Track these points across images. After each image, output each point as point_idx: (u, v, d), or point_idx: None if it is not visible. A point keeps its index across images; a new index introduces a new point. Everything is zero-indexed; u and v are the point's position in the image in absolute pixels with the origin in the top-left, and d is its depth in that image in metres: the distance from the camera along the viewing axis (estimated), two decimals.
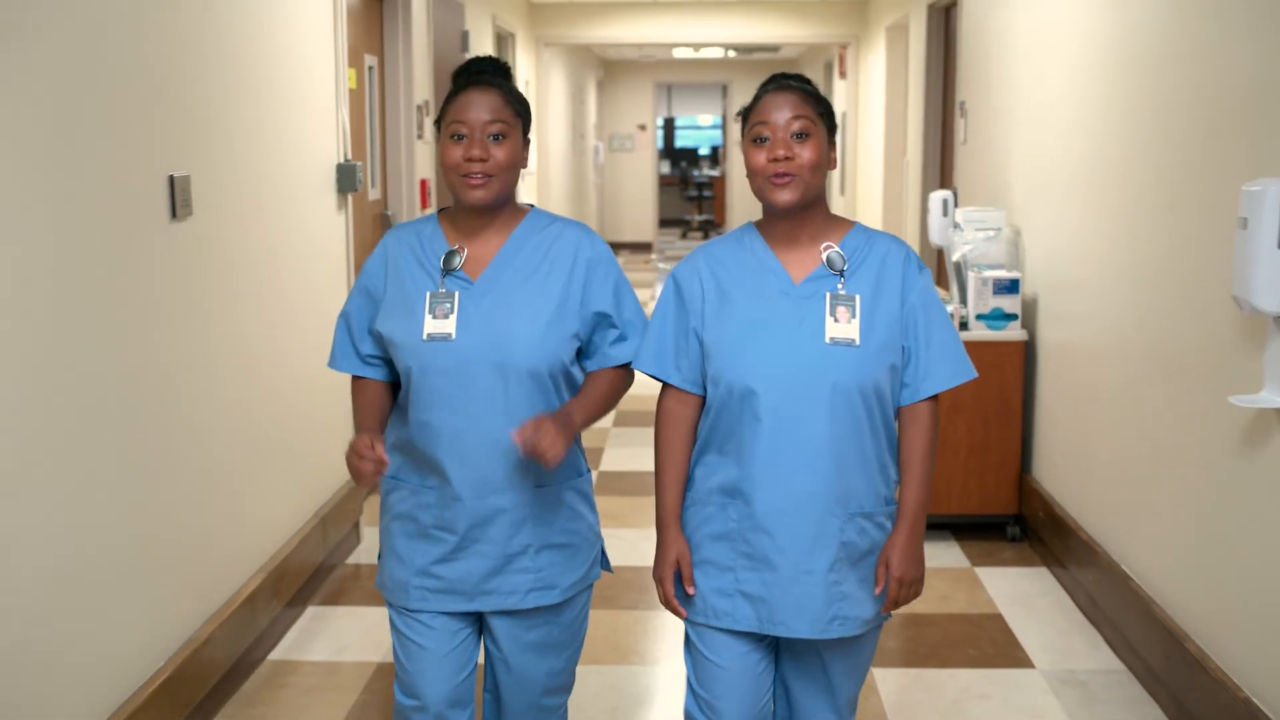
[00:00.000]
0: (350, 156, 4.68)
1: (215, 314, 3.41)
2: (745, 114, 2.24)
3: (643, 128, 18.01)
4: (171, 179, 3.12)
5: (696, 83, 19.23)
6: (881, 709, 3.37)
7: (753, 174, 2.20)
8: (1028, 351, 4.70)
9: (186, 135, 3.24)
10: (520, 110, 2.30)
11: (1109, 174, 3.90)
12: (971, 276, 4.71)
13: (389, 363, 2.38)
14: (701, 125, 22.08)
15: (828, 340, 2.15)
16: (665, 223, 19.53)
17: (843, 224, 2.26)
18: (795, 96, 2.17)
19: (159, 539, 3.09)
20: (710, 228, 19.41)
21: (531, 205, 2.39)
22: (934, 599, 4.16)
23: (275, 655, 3.72)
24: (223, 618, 3.37)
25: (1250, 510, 2.90)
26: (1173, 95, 3.39)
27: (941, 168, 7.01)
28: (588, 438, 6.45)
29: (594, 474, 5.70)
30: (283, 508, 3.96)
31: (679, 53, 15.48)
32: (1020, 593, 4.24)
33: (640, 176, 17.84)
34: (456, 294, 2.27)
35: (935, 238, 5.41)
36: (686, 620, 2.29)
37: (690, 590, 2.26)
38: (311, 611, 4.05)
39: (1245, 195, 2.69)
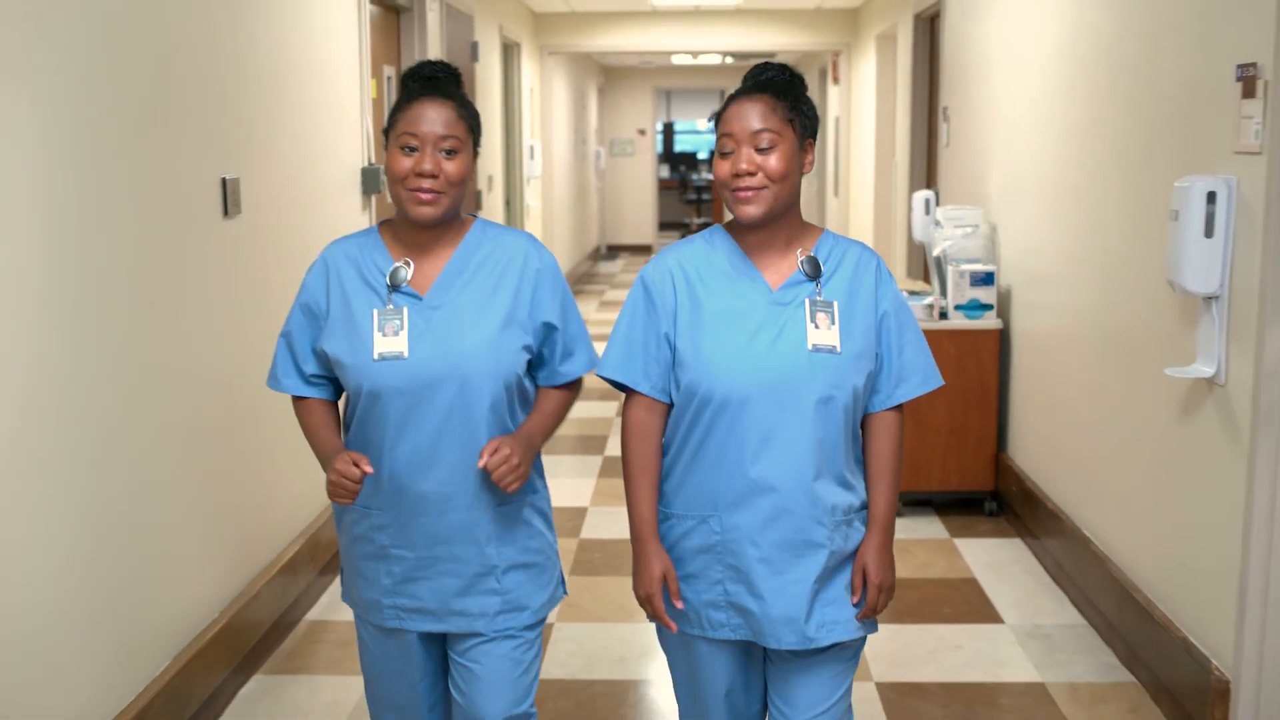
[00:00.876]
0: (374, 160, 5.04)
1: (258, 304, 3.77)
2: (715, 121, 2.19)
3: (642, 133, 18.36)
4: (224, 181, 3.49)
5: (695, 88, 19.58)
6: (864, 659, 3.72)
7: (720, 186, 2.15)
8: (1002, 339, 5.06)
9: (236, 140, 3.60)
10: (473, 125, 2.25)
11: (1069, 175, 4.26)
12: (950, 270, 5.08)
13: (333, 381, 2.33)
14: (700, 130, 22.41)
15: (810, 347, 2.11)
16: (665, 225, 19.88)
17: (813, 230, 2.23)
18: (762, 105, 2.11)
19: (213, 508, 3.45)
20: None
21: (475, 215, 2.34)
22: (915, 566, 4.52)
23: (311, 615, 4.08)
24: (267, 578, 3.73)
25: (1186, 470, 3.26)
26: (1120, 102, 3.75)
27: (927, 169, 7.37)
28: (591, 425, 6.82)
29: (600, 459, 6.12)
30: (318, 483, 4.32)
31: (677, 59, 15.83)
32: (995, 560, 4.60)
33: (640, 180, 18.20)
34: (406, 310, 2.21)
35: (918, 234, 5.78)
36: (680, 634, 2.26)
37: (679, 604, 2.20)
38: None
39: (1176, 191, 3.05)
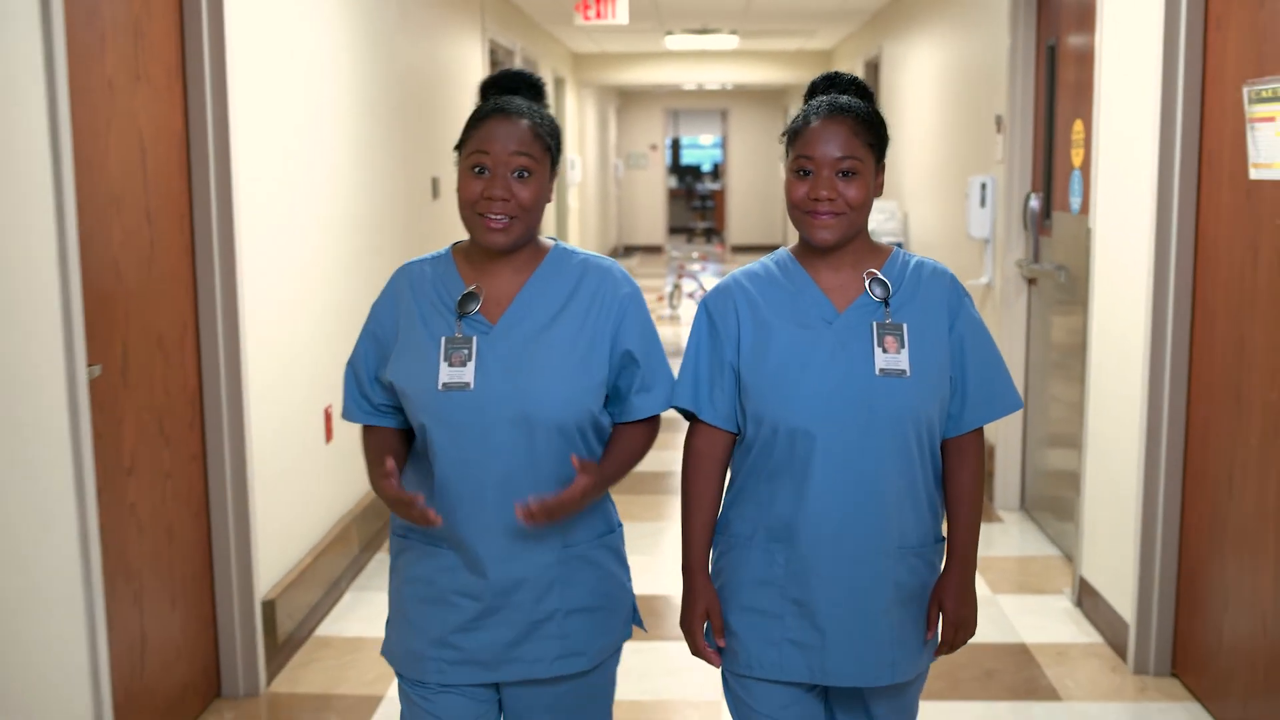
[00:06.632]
0: None
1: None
2: (791, 136, 2.07)
3: (654, 147, 20.90)
4: (434, 178, 6.04)
5: (700, 109, 22.15)
6: None
7: (792, 206, 2.05)
8: None
9: (436, 151, 6.16)
10: (551, 143, 2.08)
11: (938, 177, 6.83)
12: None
13: (402, 410, 2.16)
14: (703, 145, 24.91)
15: (878, 372, 2.01)
16: (673, 229, 22.47)
17: (882, 250, 2.13)
18: (845, 129, 2.01)
19: None
20: (712, 234, 22.35)
21: (555, 240, 2.18)
22: None
23: None
24: None
25: None
26: (955, 133, 6.31)
27: None
28: None
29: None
30: None
31: (685, 84, 18.43)
32: None
33: (652, 189, 20.77)
34: (474, 340, 2.05)
35: None
36: (728, 671, 2.16)
37: (721, 642, 2.14)
38: None
39: (968, 183, 5.60)
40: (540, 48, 10.32)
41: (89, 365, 2.77)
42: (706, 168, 24.32)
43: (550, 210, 10.88)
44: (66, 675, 2.67)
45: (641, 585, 4.26)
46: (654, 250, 20.39)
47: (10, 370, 2.45)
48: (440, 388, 2.02)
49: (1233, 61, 3.33)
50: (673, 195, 22.81)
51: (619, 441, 2.15)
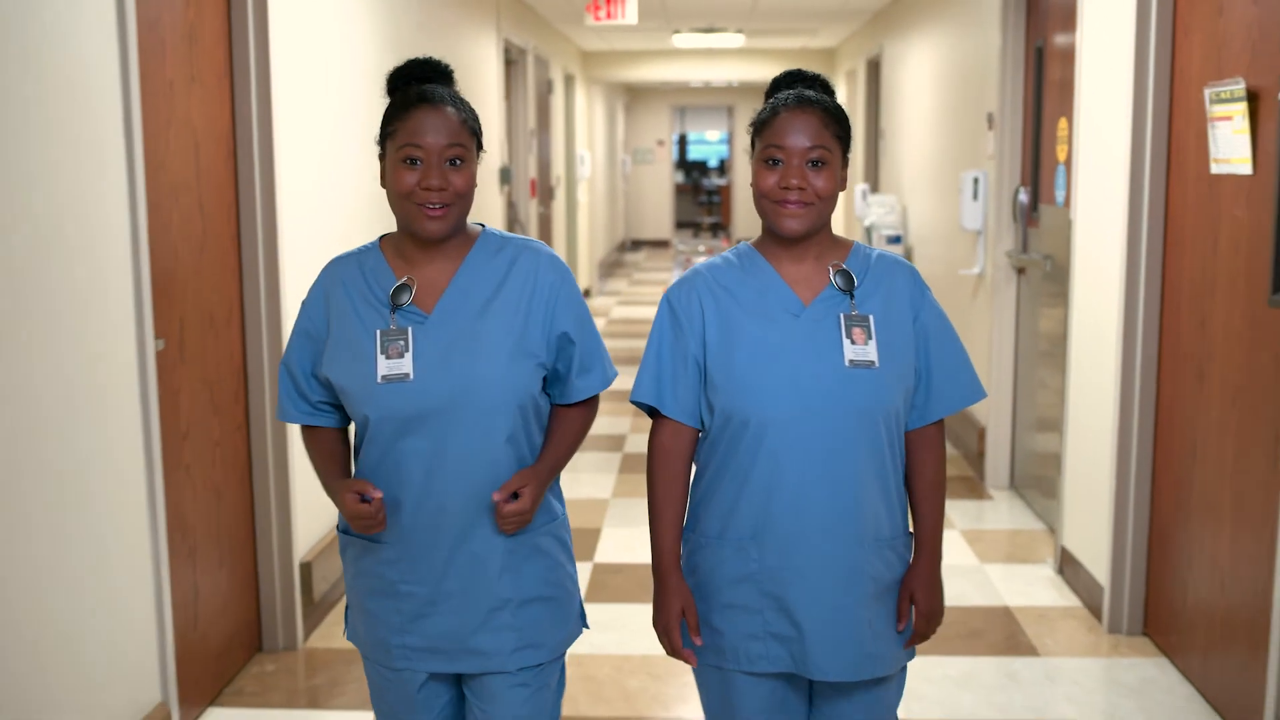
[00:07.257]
0: (508, 162, 7.90)
1: None
2: (758, 126, 2.07)
3: (661, 143, 21.19)
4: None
5: (706, 105, 22.45)
6: None
7: (760, 196, 2.05)
8: None
9: None
10: (475, 129, 2.09)
11: (934, 172, 7.11)
12: (875, 234, 7.92)
13: (341, 408, 2.18)
14: (709, 140, 25.20)
15: (847, 363, 2.02)
16: (680, 224, 22.75)
17: (843, 243, 2.14)
18: (815, 120, 2.02)
19: None
20: (718, 229, 22.63)
21: (482, 226, 2.17)
22: None
23: None
24: None
25: (974, 323, 6.07)
26: (949, 130, 6.59)
27: (876, 171, 10.22)
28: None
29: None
30: None
31: (692, 81, 18.70)
32: None
33: (659, 184, 21.07)
34: (410, 330, 2.05)
35: (857, 212, 8.65)
36: (712, 665, 2.15)
37: (697, 640, 2.12)
38: None
39: (961, 178, 5.88)
40: (552, 46, 10.61)
41: (155, 339, 3.06)
42: (713, 163, 24.60)
43: (560, 205, 11.14)
44: (135, 623, 2.97)
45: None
46: (661, 244, 20.68)
47: (90, 343, 2.75)
48: (380, 380, 2.03)
49: (1198, 65, 3.61)
50: (679, 190, 23.09)
51: (559, 428, 2.18)
